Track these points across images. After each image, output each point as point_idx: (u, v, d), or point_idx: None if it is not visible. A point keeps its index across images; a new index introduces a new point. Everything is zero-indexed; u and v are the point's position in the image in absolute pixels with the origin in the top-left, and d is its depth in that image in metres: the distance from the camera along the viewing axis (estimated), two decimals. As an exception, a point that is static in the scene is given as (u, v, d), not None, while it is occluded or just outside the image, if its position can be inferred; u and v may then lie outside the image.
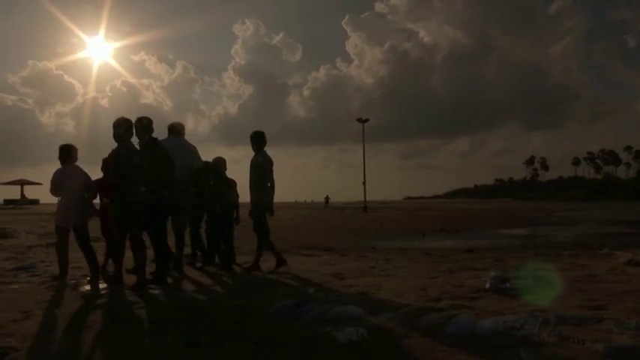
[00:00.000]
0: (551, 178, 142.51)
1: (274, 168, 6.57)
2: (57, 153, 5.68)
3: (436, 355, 2.93)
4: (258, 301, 4.34)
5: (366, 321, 3.64)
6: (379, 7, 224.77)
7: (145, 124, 5.53)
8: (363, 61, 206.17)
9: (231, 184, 6.96)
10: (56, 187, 5.63)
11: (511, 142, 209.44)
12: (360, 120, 43.79)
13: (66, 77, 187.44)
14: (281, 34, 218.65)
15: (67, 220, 5.64)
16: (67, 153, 5.66)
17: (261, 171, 6.44)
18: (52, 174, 5.71)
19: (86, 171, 5.83)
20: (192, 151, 6.52)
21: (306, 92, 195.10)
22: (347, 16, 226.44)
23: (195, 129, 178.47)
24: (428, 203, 75.21)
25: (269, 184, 6.50)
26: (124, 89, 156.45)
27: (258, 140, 6.51)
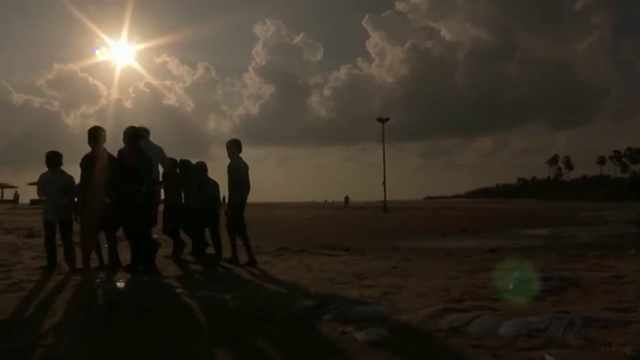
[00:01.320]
0: (576, 177, 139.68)
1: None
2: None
3: (460, 356, 2.90)
4: (279, 301, 4.36)
5: (387, 321, 3.63)
6: (399, 5, 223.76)
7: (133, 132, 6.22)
8: (384, 61, 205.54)
9: (213, 185, 7.49)
10: (42, 188, 6.37)
11: (534, 141, 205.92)
12: (380, 119, 43.61)
13: (90, 79, 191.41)
14: (301, 35, 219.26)
15: (53, 215, 6.31)
16: (52, 158, 6.43)
17: (237, 174, 6.99)
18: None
19: None
20: (158, 151, 6.96)
21: (326, 92, 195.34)
22: (367, 16, 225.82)
23: (216, 129, 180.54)
24: (449, 203, 74.54)
25: (244, 187, 7.08)
26: (147, 91, 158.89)
27: (233, 147, 7.14)
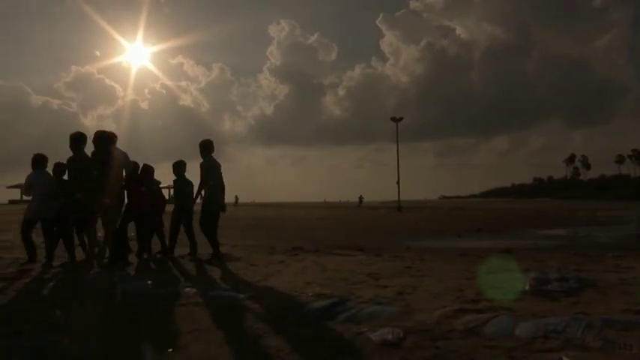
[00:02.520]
0: (593, 176, 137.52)
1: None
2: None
3: (475, 357, 2.88)
4: (294, 301, 4.37)
5: (402, 321, 3.61)
6: (414, 4, 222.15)
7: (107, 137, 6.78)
8: (399, 60, 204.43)
9: (188, 184, 7.83)
10: (27, 187, 6.96)
11: (551, 140, 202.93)
12: (393, 119, 43.44)
13: (107, 81, 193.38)
14: (316, 35, 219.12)
15: (35, 213, 6.88)
16: (37, 161, 6.98)
17: (208, 173, 7.37)
18: None
19: None
20: (123, 156, 7.27)
21: (341, 92, 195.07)
22: (381, 15, 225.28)
23: (232, 130, 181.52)
24: (464, 203, 73.95)
25: (213, 184, 7.42)
26: (163, 92, 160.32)
27: (203, 148, 7.52)
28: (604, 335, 3.10)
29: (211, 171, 7.44)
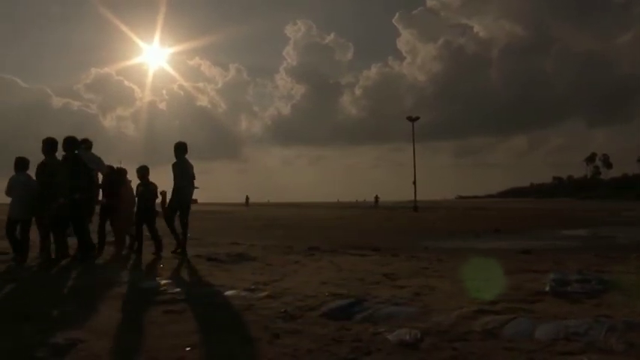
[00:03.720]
0: (615, 175, 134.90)
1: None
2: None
3: (494, 359, 2.84)
4: (310, 301, 4.36)
5: (419, 322, 3.59)
6: (431, 3, 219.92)
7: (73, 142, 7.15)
8: (416, 59, 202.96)
9: (152, 185, 8.32)
10: (9, 189, 7.24)
11: (571, 139, 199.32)
12: (409, 118, 43.20)
13: (126, 82, 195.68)
14: (332, 34, 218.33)
15: (17, 214, 7.18)
16: (19, 163, 7.28)
17: (180, 174, 7.86)
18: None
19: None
20: (97, 161, 7.84)
21: (358, 91, 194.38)
22: (397, 14, 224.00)
23: (248, 130, 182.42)
24: (481, 203, 73.20)
25: (187, 185, 7.95)
26: (180, 93, 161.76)
27: (177, 150, 7.97)
28: (627, 338, 3.03)
29: (184, 172, 7.94)
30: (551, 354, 2.89)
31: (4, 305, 4.44)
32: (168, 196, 8.20)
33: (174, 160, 8.09)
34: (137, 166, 8.40)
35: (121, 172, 8.42)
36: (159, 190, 8.26)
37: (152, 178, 8.30)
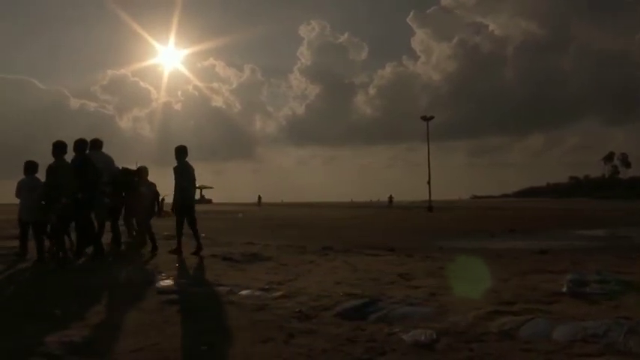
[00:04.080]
0: (634, 175, 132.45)
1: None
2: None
3: (511, 361, 2.81)
4: (325, 300, 4.37)
5: (434, 322, 3.57)
6: (445, 1, 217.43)
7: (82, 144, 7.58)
8: (430, 58, 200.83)
9: (152, 186, 8.88)
10: (17, 191, 7.63)
11: (588, 138, 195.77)
12: (424, 118, 42.98)
13: (142, 83, 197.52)
14: (346, 34, 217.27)
15: (26, 215, 7.54)
16: (28, 167, 7.64)
17: (181, 175, 8.07)
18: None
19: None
20: (107, 161, 8.29)
21: (372, 91, 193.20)
22: (412, 13, 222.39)
23: (262, 130, 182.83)
24: (496, 203, 72.50)
25: (188, 186, 8.17)
26: (195, 93, 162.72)
27: (178, 153, 8.18)
28: (648, 340, 2.98)
29: (185, 173, 8.16)
30: (569, 356, 2.85)
31: (22, 304, 4.52)
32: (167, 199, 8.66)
33: (171, 162, 8.28)
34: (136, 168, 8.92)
35: (140, 172, 8.74)
36: (159, 191, 8.82)
37: (167, 178, 8.63)
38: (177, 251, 7.97)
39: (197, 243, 8.08)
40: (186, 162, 8.25)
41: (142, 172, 8.84)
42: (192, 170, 8.29)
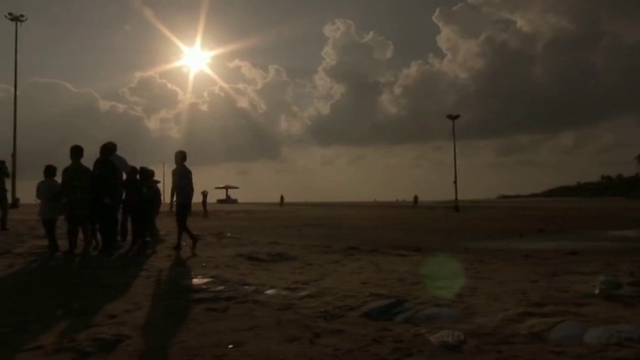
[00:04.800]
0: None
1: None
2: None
3: (541, 364, 2.75)
4: (351, 301, 4.36)
5: (462, 324, 3.52)
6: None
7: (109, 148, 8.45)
8: (457, 56, 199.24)
9: (152, 186, 9.47)
10: (37, 192, 8.37)
11: (621, 136, 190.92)
12: (450, 116, 42.53)
13: (169, 85, 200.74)
14: (371, 33, 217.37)
15: (45, 214, 8.30)
16: (47, 170, 8.41)
17: (179, 177, 8.77)
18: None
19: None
20: (123, 161, 9.07)
21: (397, 90, 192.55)
22: (437, 10, 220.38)
23: (288, 130, 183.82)
24: (525, 202, 71.10)
25: (185, 187, 8.84)
26: (221, 94, 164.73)
27: (178, 158, 8.87)
28: (686, 345, 2.88)
29: (182, 176, 8.84)
30: (602, 359, 2.77)
31: (54, 300, 4.64)
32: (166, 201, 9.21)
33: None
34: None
35: (141, 173, 9.30)
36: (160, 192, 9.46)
37: (194, 178, 9.05)
38: (193, 242, 8.82)
39: (177, 240, 8.81)
40: (185, 165, 8.93)
41: (143, 172, 9.32)
42: (190, 173, 8.98)
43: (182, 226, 8.82)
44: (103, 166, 8.18)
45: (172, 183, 8.88)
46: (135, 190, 8.98)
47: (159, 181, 9.34)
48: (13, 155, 34.43)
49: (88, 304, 4.42)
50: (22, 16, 37.62)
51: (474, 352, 2.96)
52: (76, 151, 8.09)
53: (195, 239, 8.91)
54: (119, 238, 9.13)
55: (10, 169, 15.32)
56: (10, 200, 16.09)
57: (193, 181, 9.01)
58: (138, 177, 9.20)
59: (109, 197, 7.97)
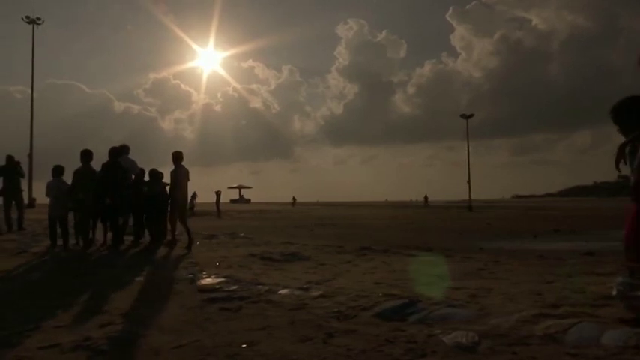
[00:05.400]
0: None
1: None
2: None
3: (557, 366, 2.72)
4: (363, 301, 4.35)
5: (476, 324, 3.49)
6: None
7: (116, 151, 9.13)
8: (471, 54, 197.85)
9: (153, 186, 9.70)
10: (47, 191, 9.05)
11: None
12: (463, 116, 42.26)
13: (183, 86, 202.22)
14: (384, 32, 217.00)
15: (53, 211, 8.95)
16: (55, 170, 9.08)
17: (177, 177, 9.18)
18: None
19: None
20: (132, 163, 9.65)
21: (411, 89, 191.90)
22: (451, 9, 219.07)
23: (301, 130, 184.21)
24: (540, 202, 70.37)
25: (183, 185, 9.26)
26: (235, 95, 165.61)
27: (175, 158, 9.26)
28: None
29: (180, 176, 9.22)
30: (620, 362, 2.73)
31: (70, 298, 4.70)
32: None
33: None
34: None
35: (156, 175, 9.73)
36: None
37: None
38: (190, 242, 9.05)
39: (172, 236, 9.33)
40: (182, 165, 9.36)
41: (153, 174, 9.65)
42: (187, 172, 9.44)
43: (183, 223, 9.26)
44: (108, 168, 8.83)
45: (172, 183, 9.27)
46: (136, 190, 9.41)
47: (168, 184, 9.51)
48: (30, 156, 34.98)
49: (103, 303, 4.48)
50: (38, 19, 38.25)
51: (488, 353, 2.93)
52: (86, 155, 8.86)
53: (191, 239, 9.17)
54: (133, 237, 9.41)
55: (26, 170, 15.62)
56: (26, 200, 16.38)
57: (189, 181, 9.47)
58: (147, 178, 9.57)
59: (110, 198, 8.61)
